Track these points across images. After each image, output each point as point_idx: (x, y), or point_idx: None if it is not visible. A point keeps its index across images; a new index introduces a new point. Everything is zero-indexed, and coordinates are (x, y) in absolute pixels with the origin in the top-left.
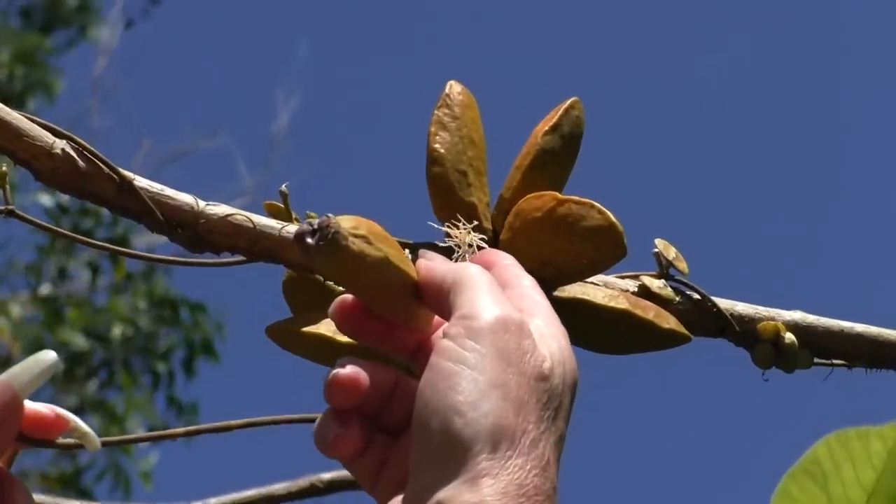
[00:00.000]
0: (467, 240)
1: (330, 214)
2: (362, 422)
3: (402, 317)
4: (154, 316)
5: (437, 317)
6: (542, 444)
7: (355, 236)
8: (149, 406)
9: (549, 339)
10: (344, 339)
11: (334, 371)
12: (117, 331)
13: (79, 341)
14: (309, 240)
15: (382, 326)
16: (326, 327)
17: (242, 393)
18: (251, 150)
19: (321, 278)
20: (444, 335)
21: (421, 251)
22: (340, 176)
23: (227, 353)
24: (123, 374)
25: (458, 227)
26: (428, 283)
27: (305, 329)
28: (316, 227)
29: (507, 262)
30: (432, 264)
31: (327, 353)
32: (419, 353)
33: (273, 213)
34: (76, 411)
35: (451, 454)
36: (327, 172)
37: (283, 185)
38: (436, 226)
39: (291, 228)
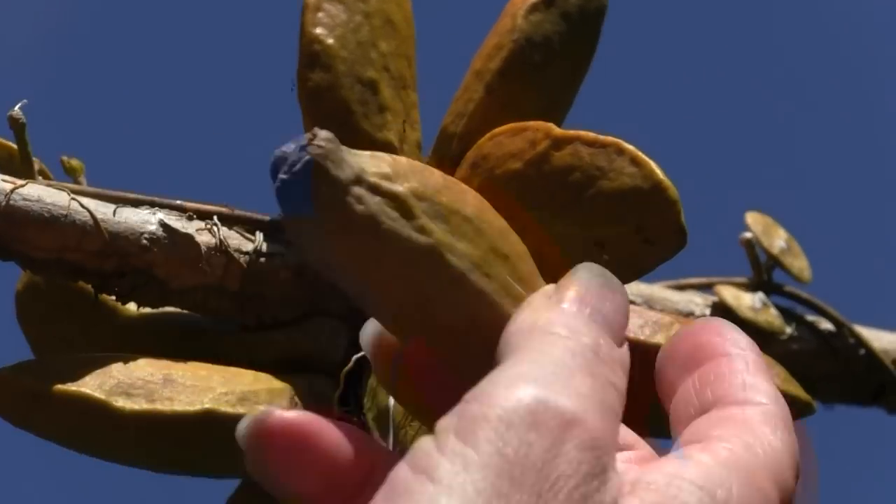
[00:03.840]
0: None
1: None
2: None
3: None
4: None
5: None
6: None
7: (381, 192)
8: None
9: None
10: (130, 406)
11: (267, 411)
12: None
13: None
14: (283, 175)
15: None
16: (97, 382)
17: None
18: None
19: (112, 298)
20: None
21: (584, 266)
22: (128, 76)
23: None
24: None
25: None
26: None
27: (59, 387)
28: (303, 142)
29: (737, 350)
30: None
31: (98, 431)
32: None
33: None
34: None
35: None
36: (102, 63)
37: (17, 106)
38: None
39: (33, 189)
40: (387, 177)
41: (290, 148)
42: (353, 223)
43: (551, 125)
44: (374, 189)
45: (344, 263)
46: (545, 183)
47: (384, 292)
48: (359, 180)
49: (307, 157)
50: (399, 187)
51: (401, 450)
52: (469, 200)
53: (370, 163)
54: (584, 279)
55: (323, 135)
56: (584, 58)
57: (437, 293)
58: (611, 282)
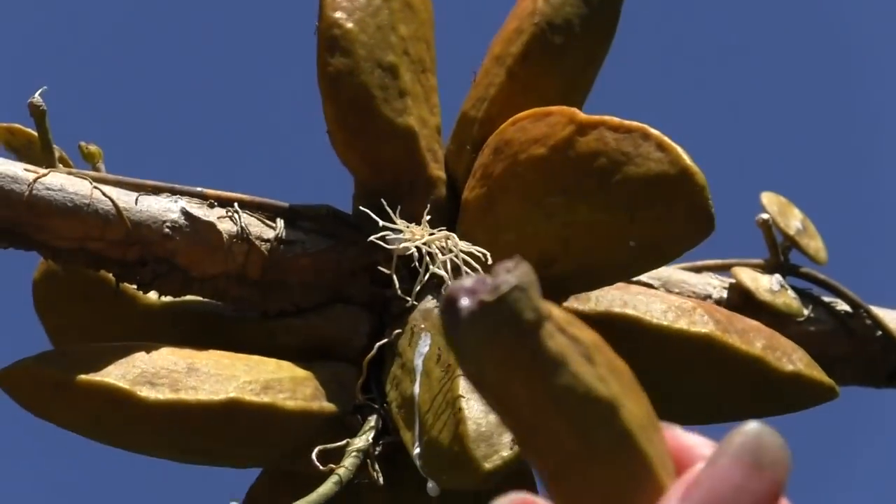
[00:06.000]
0: (426, 238)
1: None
2: None
3: None
4: None
5: None
6: None
7: (567, 335)
8: None
9: None
10: (155, 395)
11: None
12: None
13: None
14: (465, 301)
15: None
16: (120, 372)
17: None
18: None
19: (132, 287)
20: None
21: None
22: (143, 60)
23: None
24: None
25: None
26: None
27: (83, 377)
28: (493, 279)
29: None
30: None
31: (121, 421)
32: None
33: (15, 146)
34: None
35: None
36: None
37: (37, 94)
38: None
39: (55, 178)
40: (570, 322)
41: (480, 280)
42: (536, 358)
43: (575, 110)
44: (563, 329)
45: (503, 394)
46: (571, 168)
47: (538, 433)
48: (555, 321)
49: (514, 287)
50: (585, 333)
51: (426, 439)
52: (620, 364)
53: (558, 311)
54: (723, 470)
55: (524, 269)
56: (605, 40)
57: (602, 446)
58: (761, 458)
